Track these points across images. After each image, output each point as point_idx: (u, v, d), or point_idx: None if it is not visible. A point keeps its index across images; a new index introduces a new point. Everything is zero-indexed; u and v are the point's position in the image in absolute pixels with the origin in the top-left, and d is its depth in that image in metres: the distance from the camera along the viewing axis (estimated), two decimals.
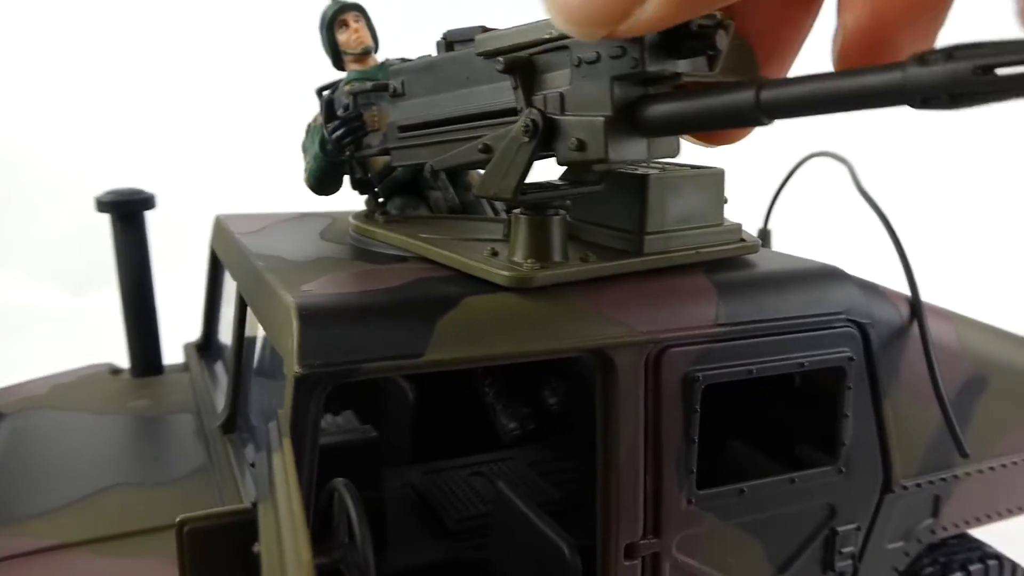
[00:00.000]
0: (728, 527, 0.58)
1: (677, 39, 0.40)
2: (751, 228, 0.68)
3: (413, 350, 0.47)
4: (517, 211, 0.51)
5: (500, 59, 0.46)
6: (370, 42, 0.72)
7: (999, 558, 0.74)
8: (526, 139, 0.45)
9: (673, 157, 0.47)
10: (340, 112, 0.66)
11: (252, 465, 0.57)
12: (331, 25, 0.71)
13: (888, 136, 2.16)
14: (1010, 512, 0.74)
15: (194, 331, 0.92)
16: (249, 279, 0.61)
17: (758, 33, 0.33)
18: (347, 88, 0.68)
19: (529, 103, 0.46)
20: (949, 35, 0.27)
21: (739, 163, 0.70)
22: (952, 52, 0.27)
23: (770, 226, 0.90)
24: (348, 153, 0.67)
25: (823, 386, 0.62)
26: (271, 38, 2.29)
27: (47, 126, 2.39)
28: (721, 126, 0.38)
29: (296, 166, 0.74)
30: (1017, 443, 0.72)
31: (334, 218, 0.77)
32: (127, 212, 0.87)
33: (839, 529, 0.63)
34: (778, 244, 0.86)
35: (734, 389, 0.59)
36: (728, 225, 0.59)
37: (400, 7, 1.41)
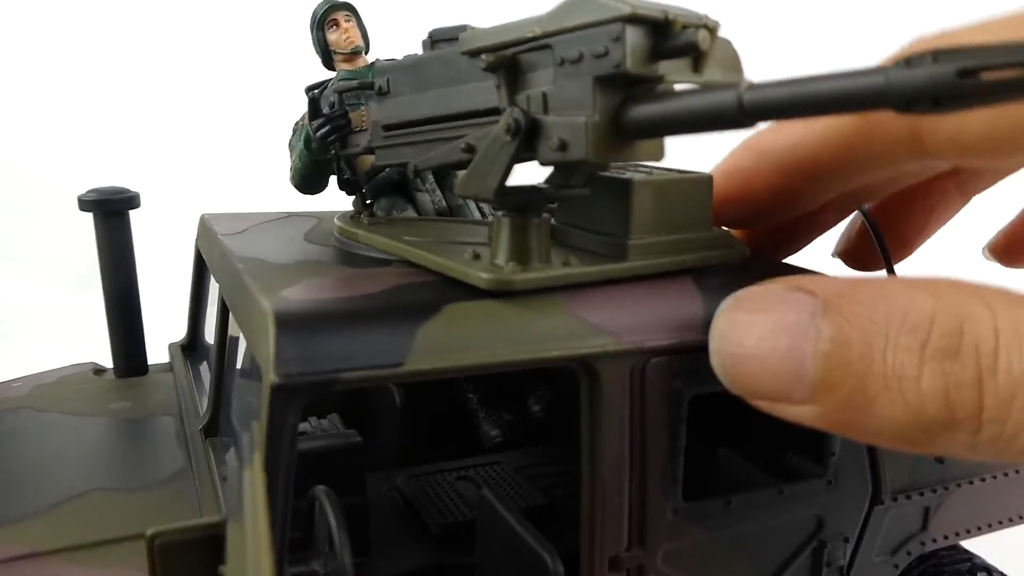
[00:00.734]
0: (715, 539, 0.57)
1: (661, 40, 0.39)
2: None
3: (393, 359, 0.46)
4: (499, 213, 0.50)
5: (483, 57, 0.45)
6: (360, 42, 0.70)
7: (989, 570, 0.73)
8: (508, 138, 0.44)
9: (658, 161, 0.45)
10: (326, 110, 0.65)
11: (224, 479, 0.56)
12: (322, 24, 0.70)
13: None
14: (1001, 524, 0.73)
15: (180, 330, 0.91)
16: (230, 281, 0.59)
17: (903, 225, 0.40)
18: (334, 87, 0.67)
19: (512, 102, 0.45)
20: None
21: None
22: (936, 55, 0.27)
23: None
24: (333, 151, 0.66)
25: None
26: (260, 37, 2.28)
27: (40, 126, 2.38)
28: (705, 129, 0.37)
29: (284, 165, 0.73)
30: None
31: (320, 219, 0.76)
32: (111, 211, 0.86)
33: (828, 542, 0.62)
34: None
35: (723, 397, 0.58)
36: (715, 231, 0.58)
37: (392, 7, 1.40)
